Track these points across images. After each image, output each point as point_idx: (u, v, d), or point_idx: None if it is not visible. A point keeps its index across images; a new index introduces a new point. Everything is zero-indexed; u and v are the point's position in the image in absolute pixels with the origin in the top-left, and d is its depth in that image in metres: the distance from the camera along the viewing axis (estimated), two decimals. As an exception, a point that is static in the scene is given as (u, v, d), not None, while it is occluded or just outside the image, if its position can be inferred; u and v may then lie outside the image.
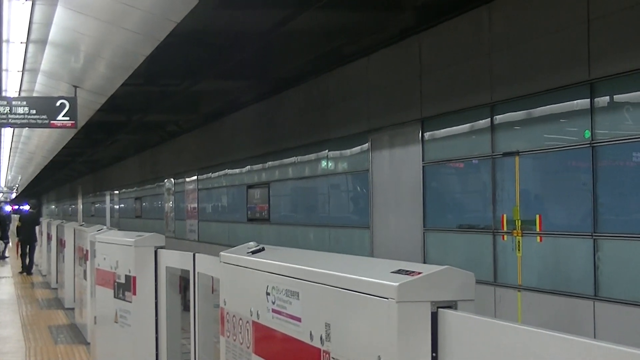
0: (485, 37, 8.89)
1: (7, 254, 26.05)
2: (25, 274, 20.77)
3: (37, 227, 22.15)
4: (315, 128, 13.52)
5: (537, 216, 8.01)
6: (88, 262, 9.27)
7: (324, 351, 2.70)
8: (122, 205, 33.84)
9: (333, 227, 12.82)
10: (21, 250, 21.68)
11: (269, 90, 15.80)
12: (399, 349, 2.19)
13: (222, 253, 3.92)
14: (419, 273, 2.26)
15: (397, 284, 2.22)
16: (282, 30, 10.80)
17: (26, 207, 49.20)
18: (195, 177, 21.59)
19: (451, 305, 2.21)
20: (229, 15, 11.10)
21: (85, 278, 9.94)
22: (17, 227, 22.83)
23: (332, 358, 2.63)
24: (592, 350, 1.66)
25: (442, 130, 9.78)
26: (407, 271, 2.32)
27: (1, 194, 61.06)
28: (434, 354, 2.17)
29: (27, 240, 21.34)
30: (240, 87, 16.69)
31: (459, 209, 9.74)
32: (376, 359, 2.29)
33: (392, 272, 2.35)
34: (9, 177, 51.18)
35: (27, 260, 21.26)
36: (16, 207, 60.72)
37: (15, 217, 37.34)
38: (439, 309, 2.19)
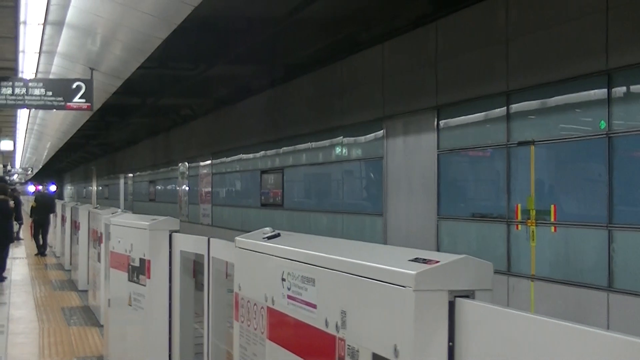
0: (502, 25, 8.83)
1: (21, 236, 26.09)
2: (39, 255, 20.81)
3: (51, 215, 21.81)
4: (330, 114, 13.50)
5: (552, 206, 7.99)
6: (102, 245, 9.31)
7: (339, 338, 2.69)
8: (136, 188, 33.93)
9: (346, 213, 12.81)
10: (34, 231, 21.67)
11: (283, 76, 15.78)
12: (416, 338, 2.18)
13: (237, 238, 3.92)
14: (437, 262, 2.25)
15: (414, 272, 2.21)
16: (298, 16, 10.77)
17: (52, 188, 49.10)
18: (209, 162, 21.60)
19: (469, 294, 2.20)
20: (244, 1, 11.08)
21: (99, 260, 9.98)
22: (32, 207, 22.77)
23: (348, 345, 2.63)
24: (607, 341, 1.66)
25: (458, 119, 9.75)
26: (425, 259, 2.30)
27: (16, 175, 61.27)
28: (450, 344, 2.16)
29: (40, 222, 21.29)
30: (255, 73, 16.68)
31: (473, 197, 9.71)
32: (392, 347, 2.29)
33: (409, 260, 2.34)
34: (25, 159, 51.35)
35: (41, 242, 21.27)
36: (40, 187, 60.47)
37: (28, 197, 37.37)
38: (457, 298, 2.18)
